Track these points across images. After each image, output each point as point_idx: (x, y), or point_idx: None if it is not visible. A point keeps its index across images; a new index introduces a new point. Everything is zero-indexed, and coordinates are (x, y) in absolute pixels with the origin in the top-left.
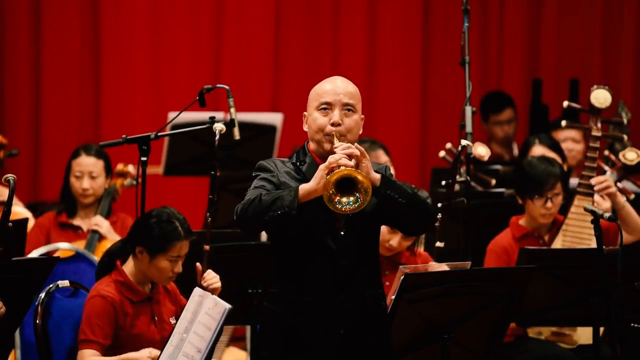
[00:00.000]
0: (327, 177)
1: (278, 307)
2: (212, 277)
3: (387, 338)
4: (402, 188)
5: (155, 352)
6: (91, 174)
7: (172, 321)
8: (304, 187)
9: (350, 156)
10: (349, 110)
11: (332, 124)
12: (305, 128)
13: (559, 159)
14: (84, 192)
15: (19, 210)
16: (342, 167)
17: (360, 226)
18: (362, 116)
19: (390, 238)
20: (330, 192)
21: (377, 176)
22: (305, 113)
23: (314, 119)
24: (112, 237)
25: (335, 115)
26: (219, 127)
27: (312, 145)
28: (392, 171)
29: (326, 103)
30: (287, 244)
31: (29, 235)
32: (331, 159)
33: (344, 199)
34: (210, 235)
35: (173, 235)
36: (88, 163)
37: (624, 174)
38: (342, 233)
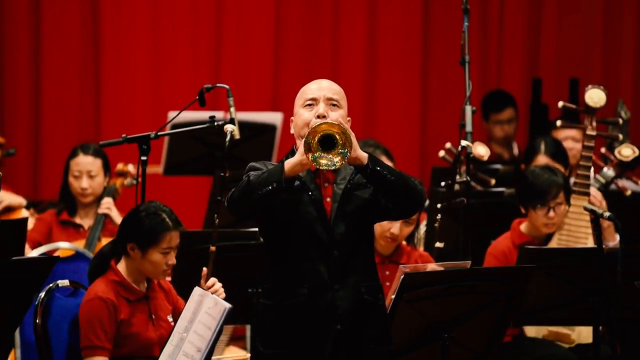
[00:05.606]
0: (310, 130)
1: (272, 301)
2: (216, 289)
3: (386, 328)
4: (390, 167)
5: None
6: (89, 173)
7: (169, 319)
8: (289, 161)
9: None
10: (333, 105)
11: (318, 116)
12: (292, 130)
13: (562, 169)
14: (83, 191)
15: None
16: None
17: (352, 216)
18: (349, 118)
19: (390, 226)
20: (312, 141)
21: (365, 154)
22: (292, 117)
23: (300, 115)
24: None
25: (321, 107)
26: (229, 128)
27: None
28: None
29: (311, 99)
30: (279, 236)
31: (31, 228)
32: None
33: (323, 161)
34: (217, 235)
35: (162, 227)
36: (86, 162)
37: (621, 170)
38: (331, 223)
